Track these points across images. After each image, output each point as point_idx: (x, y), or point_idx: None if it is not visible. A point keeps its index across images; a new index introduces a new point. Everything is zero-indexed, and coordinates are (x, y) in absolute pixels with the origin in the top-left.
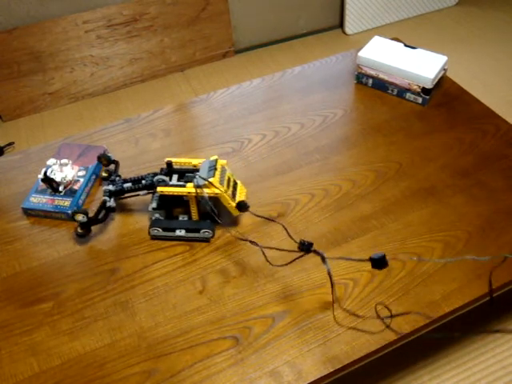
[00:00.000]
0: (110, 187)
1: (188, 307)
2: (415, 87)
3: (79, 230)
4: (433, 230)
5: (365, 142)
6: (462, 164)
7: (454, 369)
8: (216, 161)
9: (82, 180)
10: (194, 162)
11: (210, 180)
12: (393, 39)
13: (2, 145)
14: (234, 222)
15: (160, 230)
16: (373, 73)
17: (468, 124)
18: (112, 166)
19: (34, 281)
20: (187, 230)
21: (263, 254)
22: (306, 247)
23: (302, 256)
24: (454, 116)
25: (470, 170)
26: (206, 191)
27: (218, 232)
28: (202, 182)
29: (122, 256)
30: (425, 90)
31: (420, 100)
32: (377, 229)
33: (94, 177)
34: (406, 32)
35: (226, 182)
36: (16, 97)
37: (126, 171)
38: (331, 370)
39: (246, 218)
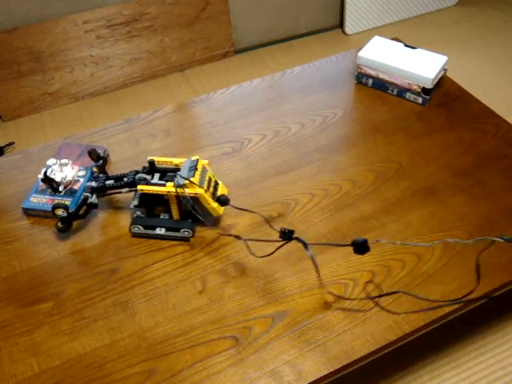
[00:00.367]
0: (93, 184)
1: (188, 307)
2: (415, 87)
3: (59, 225)
4: (433, 230)
5: (365, 142)
6: (462, 164)
7: (454, 369)
8: (197, 161)
9: (81, 180)
10: (176, 161)
11: (189, 180)
12: (393, 39)
13: (2, 145)
14: (234, 223)
15: (141, 227)
16: (373, 73)
17: (468, 124)
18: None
19: (34, 281)
20: (167, 229)
21: (247, 246)
22: (287, 235)
23: (284, 244)
24: (454, 116)
25: (470, 170)
26: (187, 191)
27: (218, 233)
28: (182, 182)
29: (121, 256)
30: (425, 90)
31: (420, 100)
32: (377, 229)
33: None
34: (406, 32)
35: (206, 183)
36: (16, 97)
37: (126, 171)
38: (331, 370)
39: (245, 219)
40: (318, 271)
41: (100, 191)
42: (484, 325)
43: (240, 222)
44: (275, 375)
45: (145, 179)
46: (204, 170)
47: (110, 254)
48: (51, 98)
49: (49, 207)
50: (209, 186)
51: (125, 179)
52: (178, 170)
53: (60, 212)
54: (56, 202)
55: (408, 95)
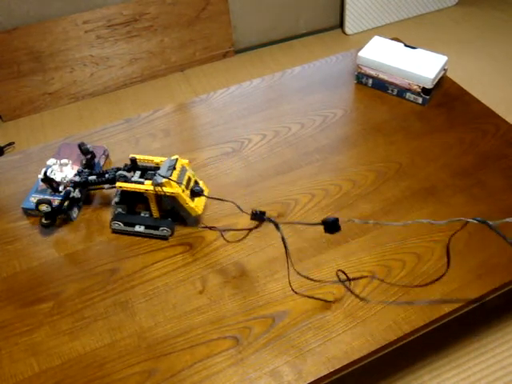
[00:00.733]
0: (76, 178)
1: (188, 307)
2: (415, 87)
3: (43, 221)
4: (433, 230)
5: (365, 142)
6: (462, 164)
7: (454, 369)
8: (176, 160)
9: None
10: (157, 159)
11: (166, 179)
12: (393, 39)
13: (2, 145)
14: (234, 223)
15: (121, 224)
16: (373, 73)
17: (468, 124)
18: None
19: (34, 281)
20: (146, 227)
21: (221, 235)
22: (258, 216)
23: (257, 226)
24: (454, 116)
25: (470, 170)
26: (165, 190)
27: (218, 233)
28: (160, 180)
29: (121, 256)
30: (425, 90)
31: (420, 100)
32: (377, 229)
33: None
34: (406, 32)
35: (185, 182)
36: (16, 97)
37: None
38: (331, 370)
39: (245, 218)
40: (287, 254)
41: (82, 186)
42: (484, 325)
43: (240, 222)
44: (275, 375)
45: (125, 176)
46: (183, 170)
47: (110, 254)
48: (51, 98)
49: (49, 207)
50: (188, 186)
51: (106, 175)
52: (159, 168)
53: (44, 207)
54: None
55: (408, 95)
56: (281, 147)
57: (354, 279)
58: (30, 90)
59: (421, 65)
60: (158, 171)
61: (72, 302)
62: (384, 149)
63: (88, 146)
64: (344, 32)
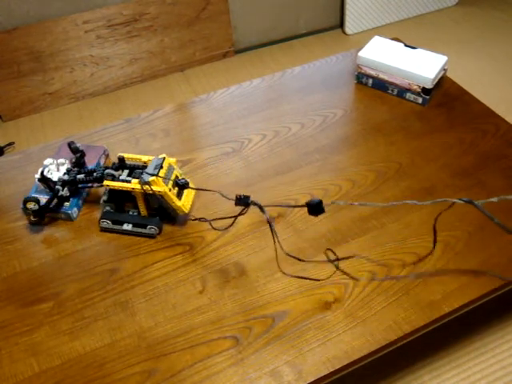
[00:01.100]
0: (65, 177)
1: (188, 307)
2: (415, 87)
3: (32, 219)
4: (433, 230)
5: (365, 142)
6: (462, 164)
7: (454, 369)
8: (163, 159)
9: None
10: (144, 158)
11: (153, 178)
12: (393, 39)
13: (2, 145)
14: (234, 222)
15: (109, 222)
16: (373, 73)
17: (468, 124)
18: (78, 155)
19: (34, 281)
20: (134, 225)
21: (210, 224)
22: (243, 201)
23: (242, 211)
24: (454, 116)
25: (470, 170)
26: (152, 188)
27: (218, 233)
28: (146, 179)
29: (121, 256)
30: (425, 90)
31: (420, 100)
32: (377, 229)
33: None
34: (406, 32)
35: (172, 181)
36: (16, 97)
37: None
38: (331, 370)
39: (245, 218)
40: (275, 237)
41: (71, 185)
42: (484, 325)
43: (239, 221)
44: (275, 375)
45: (112, 175)
46: (170, 169)
47: (110, 254)
48: (51, 97)
49: (36, 205)
50: (175, 185)
51: (94, 174)
52: (146, 167)
53: (32, 205)
54: (70, 209)
55: (408, 95)
56: (281, 147)
57: (342, 259)
58: (30, 89)
59: (421, 65)
60: (145, 170)
61: (72, 302)
62: (384, 149)
63: (78, 145)
64: (344, 32)
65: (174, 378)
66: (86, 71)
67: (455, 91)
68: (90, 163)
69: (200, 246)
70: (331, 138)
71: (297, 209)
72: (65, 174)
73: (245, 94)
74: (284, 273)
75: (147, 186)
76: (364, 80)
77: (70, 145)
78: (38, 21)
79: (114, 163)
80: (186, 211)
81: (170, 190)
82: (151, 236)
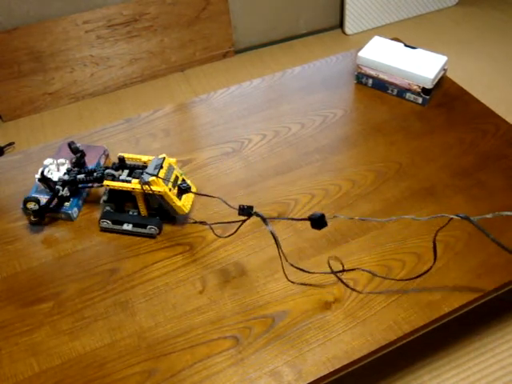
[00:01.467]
0: (65, 177)
1: (188, 307)
2: (415, 87)
3: (32, 219)
4: (433, 230)
5: (365, 142)
6: (462, 164)
7: (454, 369)
8: (163, 159)
9: None
10: (144, 158)
11: (152, 178)
12: (393, 39)
13: (2, 145)
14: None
15: (109, 222)
16: (373, 73)
17: (468, 124)
18: (78, 155)
19: (34, 281)
20: (134, 225)
21: (211, 229)
22: (246, 211)
23: (245, 221)
24: (454, 116)
25: (470, 170)
26: (152, 188)
27: (219, 231)
28: (146, 179)
29: (121, 256)
30: (425, 90)
31: (420, 100)
32: (377, 229)
33: None
34: (406, 32)
35: (172, 181)
36: (16, 97)
37: None
38: (331, 370)
39: (236, 215)
40: (278, 246)
41: (71, 185)
42: (484, 325)
43: (231, 219)
44: (275, 375)
45: (112, 175)
46: (170, 169)
47: (110, 254)
48: (51, 98)
49: (36, 205)
50: (175, 185)
51: (94, 174)
52: (146, 167)
53: (32, 205)
54: (70, 209)
55: (408, 95)
56: (281, 147)
57: (345, 270)
58: (31, 89)
59: (421, 65)
60: (145, 170)
61: (72, 302)
62: (384, 149)
63: (78, 145)
64: (344, 32)
65: (173, 377)
66: (86, 71)
67: (455, 91)
68: (90, 163)
69: (200, 246)
70: (331, 138)
71: (297, 209)
72: (65, 173)
73: (245, 94)
74: (292, 282)
75: (147, 186)
76: (364, 80)
77: (70, 145)
78: (38, 21)
79: (114, 163)
80: (187, 211)
81: (170, 189)
82: (151, 236)
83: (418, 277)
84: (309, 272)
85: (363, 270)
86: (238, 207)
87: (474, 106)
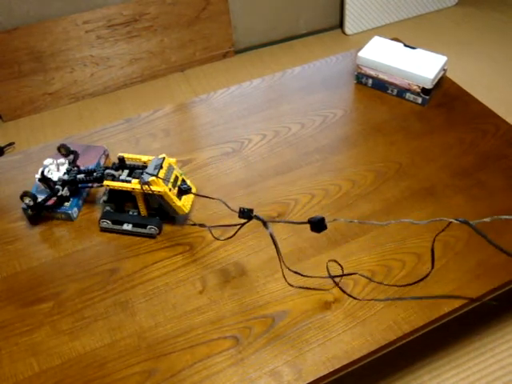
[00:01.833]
0: (65, 177)
1: (188, 307)
2: (415, 87)
3: (29, 213)
4: (433, 230)
5: (365, 142)
6: (462, 164)
7: (454, 369)
8: (163, 159)
9: None
10: (144, 158)
11: (152, 178)
12: (393, 39)
13: (2, 145)
14: (224, 221)
15: (109, 222)
16: (373, 73)
17: (468, 124)
18: (72, 157)
19: (34, 281)
20: (134, 225)
21: (210, 232)
22: (246, 214)
23: (245, 223)
24: (453, 116)
25: (470, 170)
26: (152, 188)
27: (218, 232)
28: (146, 179)
29: (121, 256)
30: (425, 90)
31: (420, 100)
32: (377, 229)
33: None
34: (406, 32)
35: (172, 181)
36: (16, 97)
37: None
38: (331, 370)
39: (236, 217)
40: (278, 250)
41: (71, 184)
42: (484, 325)
43: (232, 220)
44: (275, 375)
45: (112, 175)
46: (170, 169)
47: (110, 254)
48: (51, 98)
49: (31, 201)
50: (175, 185)
51: (94, 174)
52: (146, 167)
53: (27, 200)
54: (70, 209)
55: (408, 95)
56: (281, 147)
57: (344, 275)
58: (31, 90)
59: (420, 65)
60: (145, 170)
61: (72, 302)
62: (384, 149)
63: (69, 146)
64: (344, 32)
65: (173, 377)
66: (86, 71)
67: (455, 91)
68: (90, 163)
69: (200, 246)
70: (331, 138)
71: (297, 209)
72: (65, 173)
73: (245, 94)
74: (291, 285)
75: (147, 186)
76: (364, 80)
77: (60, 148)
78: (38, 21)
79: (114, 163)
80: (186, 211)
81: (169, 189)
82: (151, 236)
83: (415, 283)
84: (307, 276)
85: (361, 276)
86: (238, 209)
87: (473, 106)
